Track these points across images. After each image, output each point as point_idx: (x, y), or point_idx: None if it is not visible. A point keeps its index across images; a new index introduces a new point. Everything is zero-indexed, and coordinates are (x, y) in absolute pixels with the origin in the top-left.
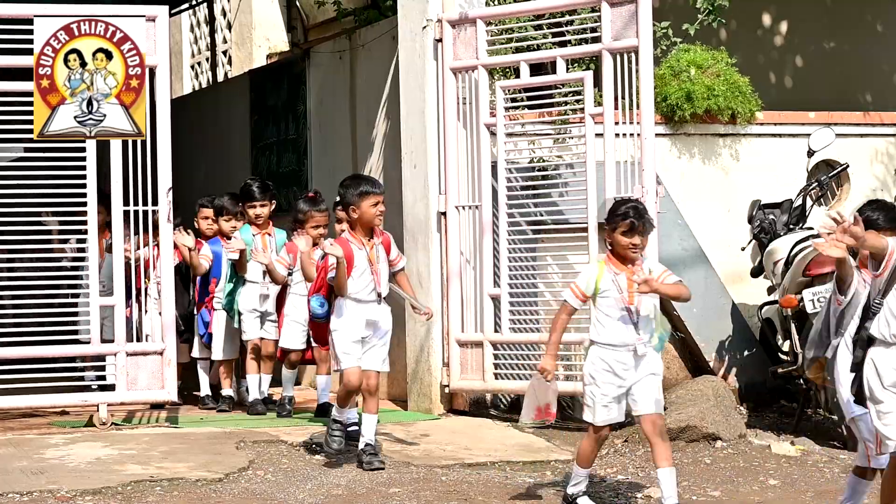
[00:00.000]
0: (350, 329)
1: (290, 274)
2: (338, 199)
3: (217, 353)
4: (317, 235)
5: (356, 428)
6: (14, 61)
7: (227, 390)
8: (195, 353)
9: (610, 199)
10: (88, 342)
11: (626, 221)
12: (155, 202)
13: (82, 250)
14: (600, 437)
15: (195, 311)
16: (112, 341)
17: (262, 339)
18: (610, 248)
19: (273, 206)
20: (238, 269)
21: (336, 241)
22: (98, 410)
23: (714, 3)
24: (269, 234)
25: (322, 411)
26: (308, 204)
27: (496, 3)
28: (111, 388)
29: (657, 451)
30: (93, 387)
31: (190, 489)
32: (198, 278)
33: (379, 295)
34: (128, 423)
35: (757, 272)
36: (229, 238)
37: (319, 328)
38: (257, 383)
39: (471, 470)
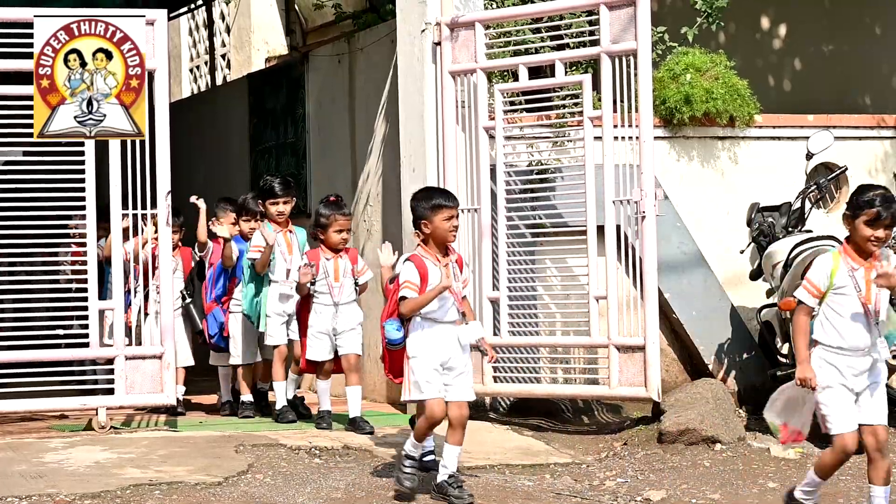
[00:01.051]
0: (430, 355)
1: (313, 283)
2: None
3: (237, 357)
4: (340, 240)
5: (432, 458)
6: (13, 65)
7: (248, 395)
8: (212, 358)
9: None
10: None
11: (871, 210)
12: (154, 206)
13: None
14: (846, 449)
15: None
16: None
17: (290, 341)
18: (847, 238)
19: (294, 203)
20: (258, 268)
21: (410, 258)
22: (97, 414)
23: (713, 5)
24: (291, 232)
25: (352, 422)
26: (331, 208)
27: (494, 6)
28: (110, 391)
29: (875, 468)
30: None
31: (189, 493)
32: (211, 277)
33: (463, 315)
34: (127, 426)
35: (756, 275)
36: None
37: (395, 357)
38: (285, 390)
39: (470, 473)
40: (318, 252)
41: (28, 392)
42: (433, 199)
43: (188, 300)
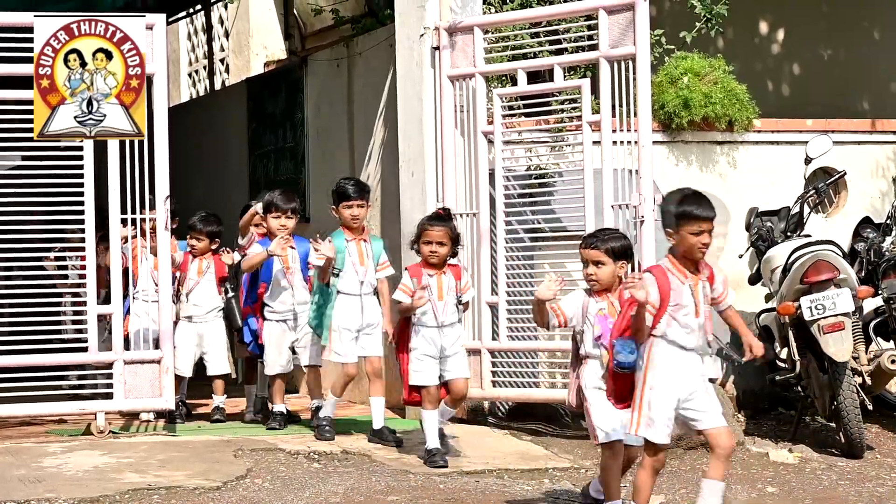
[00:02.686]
0: (670, 385)
1: (336, 274)
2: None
3: (271, 367)
4: (427, 253)
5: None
6: (12, 69)
7: (281, 406)
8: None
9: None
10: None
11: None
12: (153, 209)
13: (79, 258)
14: None
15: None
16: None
17: (365, 357)
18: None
19: (369, 208)
20: (321, 278)
21: (651, 269)
22: (96, 419)
23: (712, 10)
24: (365, 241)
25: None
26: (427, 218)
27: (493, 10)
28: (109, 396)
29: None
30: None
31: (188, 497)
32: (245, 282)
33: (708, 343)
34: (125, 431)
35: (754, 279)
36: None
37: (623, 382)
38: (333, 403)
39: (469, 478)
40: (419, 268)
41: (26, 396)
42: (682, 206)
43: (230, 295)
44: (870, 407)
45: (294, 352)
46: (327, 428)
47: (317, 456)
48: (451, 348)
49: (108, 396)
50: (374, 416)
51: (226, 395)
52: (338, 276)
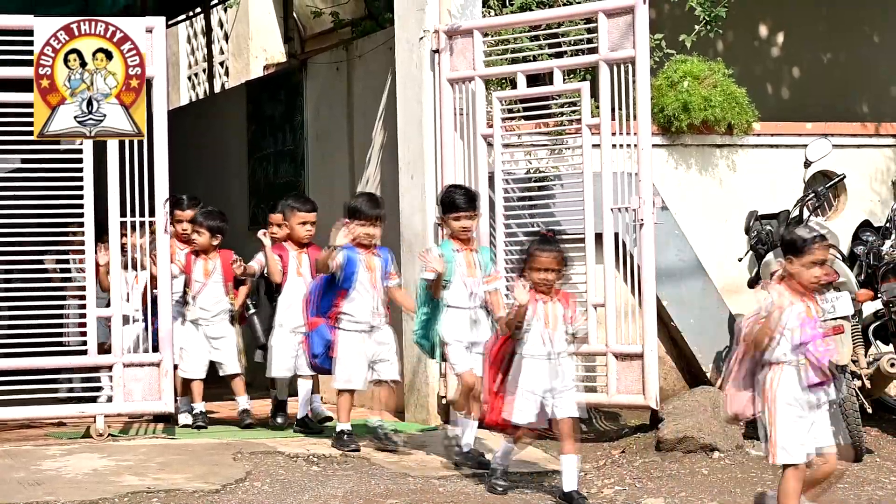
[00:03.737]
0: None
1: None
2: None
3: (343, 381)
4: (538, 280)
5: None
6: (12, 72)
7: (347, 425)
8: (302, 370)
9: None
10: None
11: None
12: (152, 213)
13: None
14: None
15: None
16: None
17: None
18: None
19: (479, 218)
20: (433, 292)
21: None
22: (95, 421)
23: (711, 13)
24: (474, 251)
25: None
26: (540, 245)
27: (493, 14)
28: (108, 399)
29: None
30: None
31: (187, 500)
32: (315, 289)
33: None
34: (125, 434)
35: (754, 283)
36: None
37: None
38: (471, 430)
39: (468, 481)
40: (532, 294)
41: (26, 399)
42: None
43: (251, 311)
44: (869, 410)
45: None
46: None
47: (316, 459)
48: (561, 384)
49: (108, 399)
50: (465, 435)
51: (248, 395)
52: (446, 288)
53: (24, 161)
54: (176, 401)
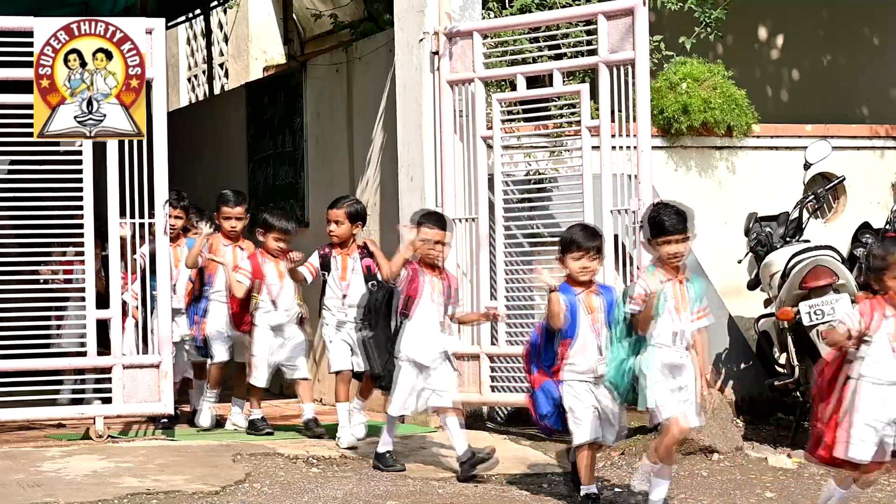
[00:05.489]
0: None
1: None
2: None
3: (579, 437)
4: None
5: None
6: (11, 74)
7: (591, 487)
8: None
9: None
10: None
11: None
12: (151, 214)
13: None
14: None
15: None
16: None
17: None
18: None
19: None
20: (638, 327)
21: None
22: (94, 423)
23: (711, 15)
24: (685, 281)
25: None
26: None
27: (492, 16)
28: (108, 400)
29: None
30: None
31: (186, 502)
32: (536, 340)
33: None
34: (124, 435)
35: (754, 285)
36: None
37: None
38: (662, 487)
39: (467, 483)
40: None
41: (25, 401)
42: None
43: (368, 334)
44: None
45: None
46: None
47: (315, 461)
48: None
49: (107, 401)
50: (655, 491)
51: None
52: (653, 320)
53: (23, 162)
54: (184, 402)
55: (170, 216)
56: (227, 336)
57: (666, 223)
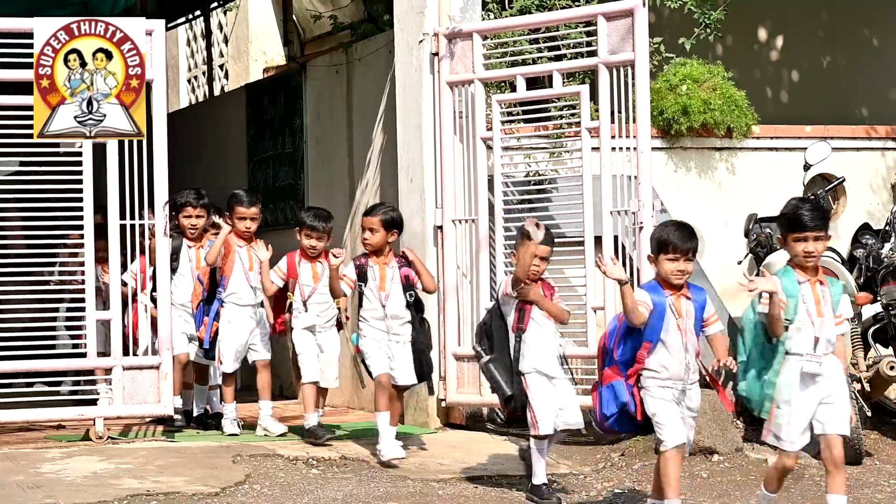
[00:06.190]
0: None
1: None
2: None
3: (667, 439)
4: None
5: None
6: (11, 75)
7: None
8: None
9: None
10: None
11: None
12: (152, 215)
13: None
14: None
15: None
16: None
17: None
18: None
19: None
20: (772, 328)
21: None
22: (94, 424)
23: (711, 16)
24: (822, 283)
25: None
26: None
27: (492, 17)
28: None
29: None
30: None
31: (186, 503)
32: (614, 333)
33: None
34: (124, 437)
35: None
36: None
37: None
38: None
39: (468, 484)
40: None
41: (25, 402)
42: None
43: (487, 358)
44: (868, 413)
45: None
46: None
47: (315, 462)
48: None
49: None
50: None
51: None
52: (787, 329)
53: (23, 163)
54: (188, 404)
55: (190, 216)
56: (239, 344)
57: (804, 218)
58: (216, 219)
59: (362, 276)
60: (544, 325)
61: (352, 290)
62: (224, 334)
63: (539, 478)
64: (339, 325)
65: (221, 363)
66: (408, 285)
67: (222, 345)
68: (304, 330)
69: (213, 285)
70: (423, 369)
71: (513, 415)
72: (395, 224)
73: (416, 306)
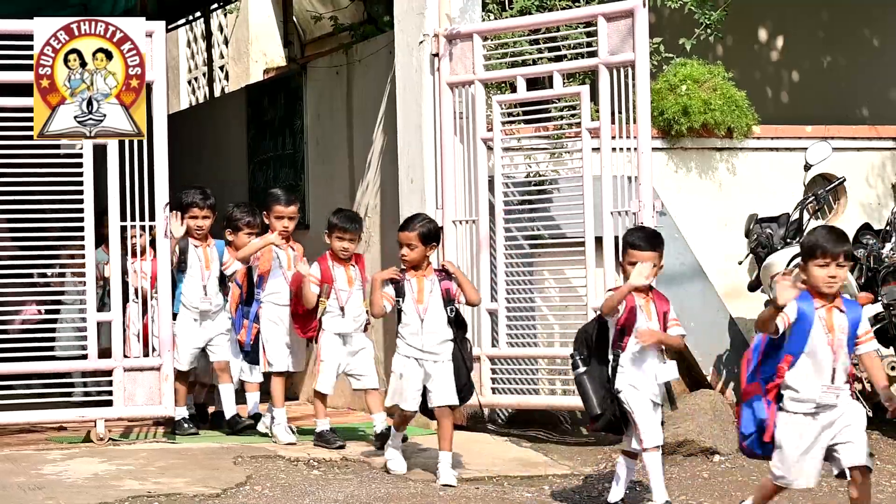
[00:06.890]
0: None
1: (399, 306)
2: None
3: (780, 476)
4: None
5: None
6: (11, 77)
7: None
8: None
9: None
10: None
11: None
12: (152, 217)
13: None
14: None
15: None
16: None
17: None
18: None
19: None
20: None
21: None
22: (95, 426)
23: (711, 17)
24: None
25: None
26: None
27: (492, 18)
28: (108, 403)
29: None
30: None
31: None
32: (758, 348)
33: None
34: (125, 438)
35: (754, 286)
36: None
37: None
38: None
39: (468, 485)
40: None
41: (26, 404)
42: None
43: (581, 370)
44: (870, 413)
45: None
46: None
47: (316, 463)
48: None
49: (108, 404)
50: None
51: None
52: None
53: (24, 165)
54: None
55: (196, 217)
56: (286, 343)
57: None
58: (251, 220)
59: (399, 292)
60: (645, 349)
61: (392, 306)
62: (269, 334)
63: (615, 496)
64: (366, 328)
65: (270, 364)
66: (448, 300)
67: (269, 345)
68: (334, 335)
69: (249, 286)
70: (464, 391)
71: (597, 431)
72: (432, 236)
73: (457, 323)
